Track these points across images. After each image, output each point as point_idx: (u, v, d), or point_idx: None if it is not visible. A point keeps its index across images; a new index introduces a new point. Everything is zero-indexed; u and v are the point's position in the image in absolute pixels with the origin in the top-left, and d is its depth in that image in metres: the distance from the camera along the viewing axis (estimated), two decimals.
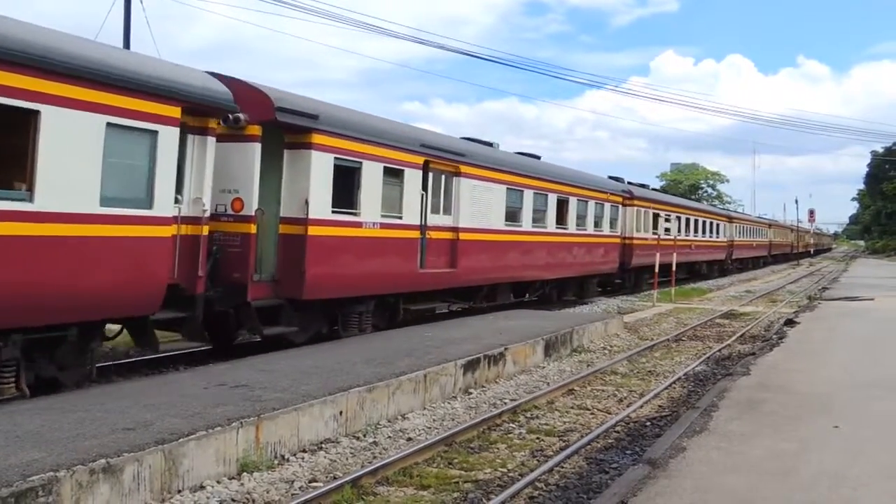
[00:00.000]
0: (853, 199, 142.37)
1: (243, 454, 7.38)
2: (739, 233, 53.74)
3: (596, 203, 25.76)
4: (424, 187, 15.79)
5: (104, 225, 9.04)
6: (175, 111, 9.89)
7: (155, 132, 9.62)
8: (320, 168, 12.71)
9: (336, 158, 13.09)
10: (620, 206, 28.55)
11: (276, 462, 7.68)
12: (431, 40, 43.93)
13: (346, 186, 13.44)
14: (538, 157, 23.36)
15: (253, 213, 11.91)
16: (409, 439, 8.91)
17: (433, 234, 16.21)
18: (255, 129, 11.92)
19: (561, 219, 23.02)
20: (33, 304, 8.33)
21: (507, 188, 19.46)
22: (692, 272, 41.12)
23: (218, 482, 6.99)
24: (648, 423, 10.04)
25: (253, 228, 11.91)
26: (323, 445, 8.30)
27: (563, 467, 8.08)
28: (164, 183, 9.83)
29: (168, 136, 9.83)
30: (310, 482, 7.33)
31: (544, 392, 11.53)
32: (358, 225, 13.74)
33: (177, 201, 10.27)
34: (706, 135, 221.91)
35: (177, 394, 8.46)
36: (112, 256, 9.24)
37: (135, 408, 7.74)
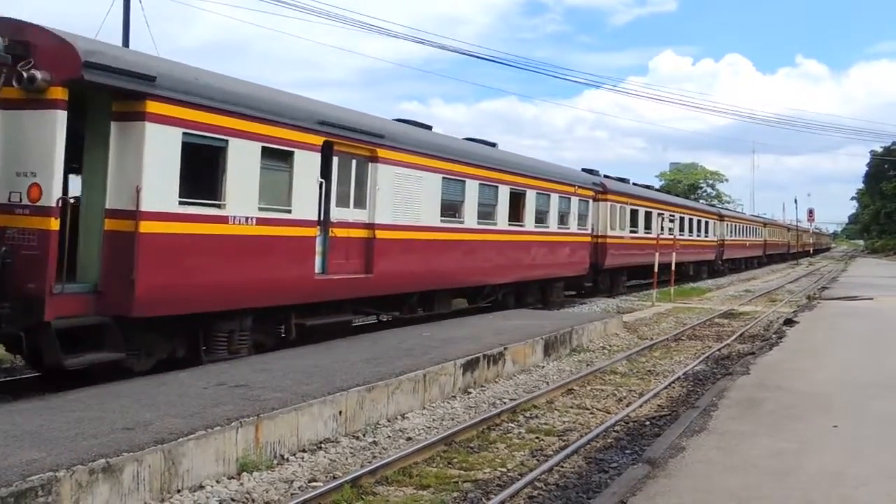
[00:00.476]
0: (852, 198, 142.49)
1: (243, 454, 7.37)
2: (731, 232, 51.41)
3: (561, 197, 22.81)
4: (326, 174, 12.96)
5: None
6: None
7: None
8: (160, 146, 9.85)
9: (186, 134, 10.21)
10: (591, 201, 25.68)
11: (275, 462, 7.68)
12: (430, 40, 44.03)
13: (203, 171, 10.63)
14: (493, 145, 20.56)
15: (54, 204, 9.06)
16: (409, 439, 8.91)
17: (340, 232, 13.44)
18: (58, 92, 9.04)
19: (516, 214, 20.21)
20: None
21: (445, 178, 16.58)
22: (677, 273, 38.88)
23: (217, 482, 6.99)
24: (648, 423, 10.04)
25: (54, 224, 9.05)
26: (322, 445, 8.30)
27: (562, 467, 8.08)
28: None
29: None
30: (309, 482, 7.34)
31: (544, 392, 11.53)
32: (222, 220, 10.82)
33: None
34: (705, 134, 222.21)
35: (176, 393, 8.46)
36: None
37: (134, 407, 7.74)
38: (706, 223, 44.19)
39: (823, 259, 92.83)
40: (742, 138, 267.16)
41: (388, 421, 9.47)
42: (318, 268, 12.91)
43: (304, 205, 12.38)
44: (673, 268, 30.71)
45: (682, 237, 36.95)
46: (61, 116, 9.08)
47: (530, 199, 20.87)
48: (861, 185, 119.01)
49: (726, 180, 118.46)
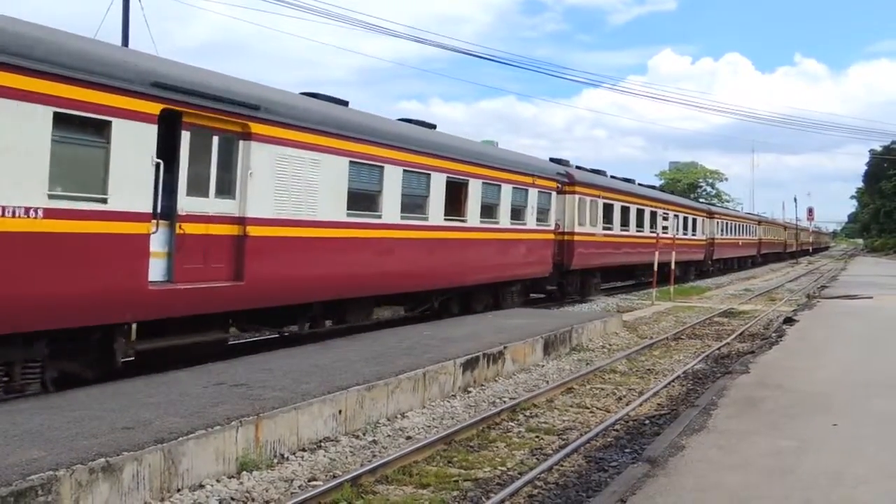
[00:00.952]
0: (852, 197, 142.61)
1: (243, 453, 7.37)
2: (722, 230, 48.34)
3: (515, 188, 19.78)
4: (171, 154, 10.18)
5: None
6: None
7: None
8: None
9: None
10: (555, 194, 22.60)
11: (275, 461, 7.68)
12: (429, 39, 43.92)
13: None
14: (432, 126, 17.69)
15: None
16: (409, 438, 8.91)
17: (193, 229, 10.53)
18: None
19: (456, 208, 17.28)
20: None
21: (354, 162, 13.53)
22: (660, 274, 36.36)
23: (217, 481, 6.99)
24: (647, 422, 10.05)
25: None
26: (322, 444, 8.31)
27: (562, 466, 8.08)
28: None
29: None
30: (309, 481, 7.34)
31: (543, 391, 11.53)
32: None
33: None
34: (704, 133, 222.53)
35: (176, 393, 8.46)
36: None
37: (134, 407, 7.75)
38: (694, 220, 41.41)
39: (823, 258, 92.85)
40: (741, 137, 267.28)
41: (388, 420, 9.47)
42: (156, 274, 10.03)
43: (130, 193, 9.48)
44: (673, 266, 30.55)
45: (666, 235, 33.83)
46: None
47: (474, 190, 17.87)
48: (860, 184, 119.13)
49: (726, 179, 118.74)
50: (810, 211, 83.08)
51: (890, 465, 7.23)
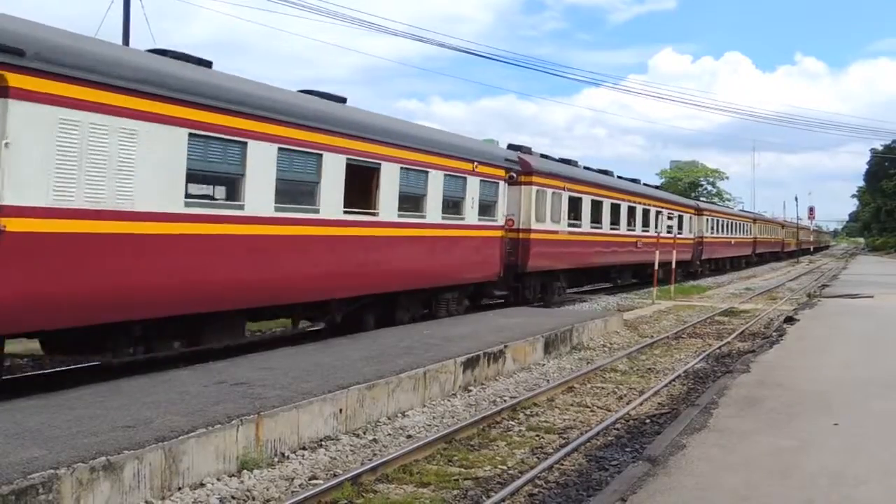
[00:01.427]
0: (853, 195, 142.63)
1: (243, 452, 7.37)
2: (713, 228, 44.93)
3: (448, 176, 16.58)
4: None
5: None
6: None
7: None
8: None
9: None
10: (503, 184, 19.11)
11: (276, 459, 7.68)
12: (431, 38, 43.86)
13: None
14: (342, 100, 14.27)
15: None
16: (409, 437, 8.91)
17: None
18: None
19: (364, 199, 14.17)
20: None
21: (193, 135, 10.30)
22: (639, 276, 32.91)
23: (218, 479, 6.99)
24: (648, 421, 10.05)
25: None
26: (323, 443, 8.31)
27: (562, 465, 8.08)
28: None
29: None
30: (310, 479, 7.34)
31: (544, 389, 11.54)
32: None
33: None
34: (705, 132, 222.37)
35: (177, 391, 8.46)
36: None
37: (135, 405, 7.75)
38: (680, 217, 37.48)
39: (824, 257, 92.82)
40: (742, 136, 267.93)
41: (389, 419, 9.47)
42: None
43: None
44: (674, 265, 30.50)
45: (646, 234, 31.22)
46: None
47: (389, 176, 14.55)
48: (861, 183, 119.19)
49: (727, 178, 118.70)
50: (811, 210, 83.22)
51: (891, 464, 7.23)
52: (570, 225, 23.65)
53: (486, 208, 18.43)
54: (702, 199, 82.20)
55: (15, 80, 8.19)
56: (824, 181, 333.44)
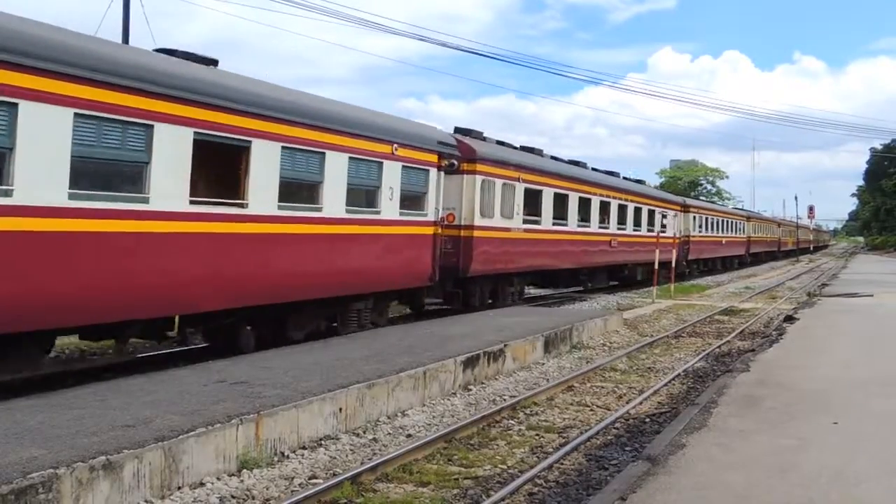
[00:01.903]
0: (852, 194, 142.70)
1: (243, 451, 7.37)
2: (701, 226, 41.86)
3: (355, 159, 13.38)
4: None
5: None
6: None
7: None
8: None
9: None
10: (435, 171, 15.99)
11: (275, 459, 7.68)
12: (430, 37, 43.88)
13: None
14: (212, 63, 11.48)
15: None
16: (409, 436, 8.91)
17: None
18: None
19: (229, 185, 11.37)
20: None
21: None
22: (616, 278, 30.73)
23: (218, 479, 6.99)
24: (648, 420, 10.05)
25: None
26: (322, 442, 8.31)
27: (562, 464, 8.08)
28: None
29: None
30: (309, 479, 7.34)
31: (544, 389, 11.53)
32: None
33: None
34: (704, 131, 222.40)
35: (176, 390, 8.46)
36: None
37: (134, 405, 7.75)
38: (663, 214, 34.88)
39: (824, 256, 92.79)
40: (742, 135, 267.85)
41: (389, 418, 9.47)
42: None
43: None
44: (674, 264, 30.45)
45: (623, 231, 28.97)
46: None
47: (265, 158, 11.40)
48: (861, 182, 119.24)
49: (727, 177, 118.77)
50: (811, 209, 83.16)
51: (891, 463, 7.23)
52: (527, 221, 20.77)
53: (413, 201, 15.41)
54: (701, 197, 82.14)
55: None
56: (824, 180, 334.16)
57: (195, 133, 10.31)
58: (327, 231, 12.93)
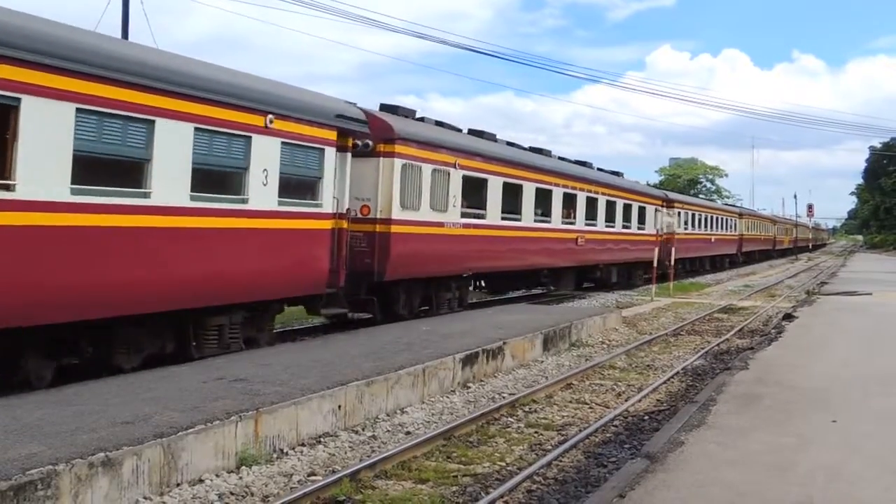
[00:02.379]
0: (851, 193, 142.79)
1: (242, 448, 7.38)
2: (686, 223, 38.39)
3: (207, 132, 10.38)
4: None
5: None
6: None
7: None
8: None
9: None
10: (331, 151, 12.84)
11: (274, 456, 7.68)
12: (430, 34, 43.74)
13: None
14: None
15: None
16: (408, 433, 8.92)
17: None
18: None
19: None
20: None
21: None
22: (589, 279, 28.20)
23: (217, 476, 7.00)
24: (647, 418, 10.06)
25: None
26: (321, 439, 8.31)
27: (561, 461, 8.09)
28: None
29: None
30: (308, 476, 7.34)
31: (543, 386, 11.54)
32: None
33: None
34: (703, 129, 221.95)
35: (175, 388, 8.46)
36: None
37: (134, 401, 7.75)
38: (642, 209, 31.46)
39: (822, 254, 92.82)
40: (741, 133, 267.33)
41: (388, 415, 9.47)
42: None
43: None
44: (673, 262, 30.43)
45: (593, 228, 26.00)
46: None
47: (45, 123, 8.25)
48: (860, 181, 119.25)
49: (726, 175, 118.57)
50: (810, 207, 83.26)
51: (889, 461, 7.24)
52: (467, 215, 17.65)
53: (300, 188, 12.45)
54: (700, 195, 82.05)
55: None
56: (823, 178, 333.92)
57: None
58: (158, 224, 9.75)
